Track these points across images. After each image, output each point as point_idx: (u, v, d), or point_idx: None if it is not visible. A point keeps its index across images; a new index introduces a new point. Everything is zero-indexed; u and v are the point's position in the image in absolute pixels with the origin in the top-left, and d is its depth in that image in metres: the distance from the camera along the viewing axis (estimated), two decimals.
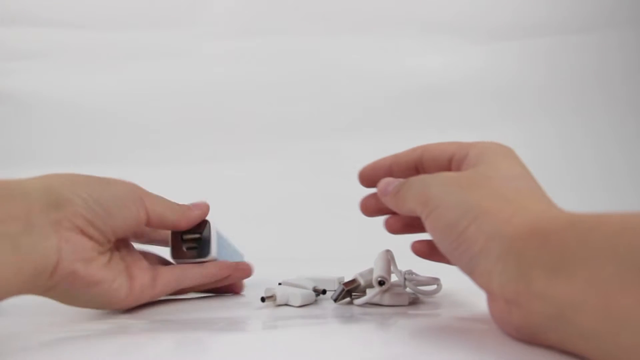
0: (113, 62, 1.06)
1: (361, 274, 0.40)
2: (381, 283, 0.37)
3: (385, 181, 0.35)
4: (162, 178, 1.01)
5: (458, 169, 0.32)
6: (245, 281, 0.54)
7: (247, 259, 0.54)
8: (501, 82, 1.10)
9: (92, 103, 1.05)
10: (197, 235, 0.41)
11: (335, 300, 0.39)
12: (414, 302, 0.40)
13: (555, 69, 1.11)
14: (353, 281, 0.40)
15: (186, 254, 0.41)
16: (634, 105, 1.10)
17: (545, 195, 0.30)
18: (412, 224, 0.38)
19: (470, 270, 0.28)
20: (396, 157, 0.36)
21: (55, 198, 0.31)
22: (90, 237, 0.33)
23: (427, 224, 0.30)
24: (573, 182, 1.01)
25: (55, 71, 1.05)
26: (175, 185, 1.04)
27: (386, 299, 0.38)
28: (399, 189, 0.33)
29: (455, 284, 0.39)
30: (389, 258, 0.39)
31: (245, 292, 0.49)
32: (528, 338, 0.26)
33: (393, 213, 0.38)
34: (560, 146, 1.08)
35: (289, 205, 1.01)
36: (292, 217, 0.98)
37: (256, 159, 1.06)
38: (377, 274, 0.37)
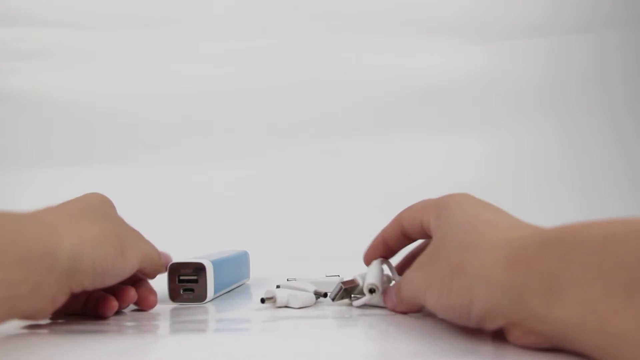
0: (112, 62, 1.06)
1: (361, 275, 0.40)
2: (371, 291, 0.37)
3: (389, 297, 0.38)
4: (163, 178, 1.01)
5: (430, 233, 0.34)
6: (247, 281, 0.54)
7: (251, 259, 0.55)
8: (502, 82, 1.10)
9: (92, 103, 1.05)
10: (194, 277, 0.42)
11: (333, 299, 0.39)
12: None
13: (555, 69, 1.11)
14: (352, 281, 0.39)
15: (183, 297, 0.42)
16: (633, 105, 1.10)
17: (508, 219, 0.30)
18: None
19: (477, 322, 0.28)
20: (384, 234, 0.39)
21: (74, 269, 0.31)
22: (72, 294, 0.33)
23: (429, 307, 0.32)
24: (573, 181, 1.01)
25: (55, 71, 1.05)
26: (175, 186, 1.04)
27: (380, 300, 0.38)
28: (399, 296, 0.36)
29: None
30: (381, 266, 0.40)
31: (245, 292, 0.49)
32: (557, 347, 0.26)
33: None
34: (560, 146, 1.08)
35: (290, 205, 1.01)
36: (294, 217, 0.98)
37: (256, 159, 1.05)
38: (368, 281, 0.38)
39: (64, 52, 1.05)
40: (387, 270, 0.40)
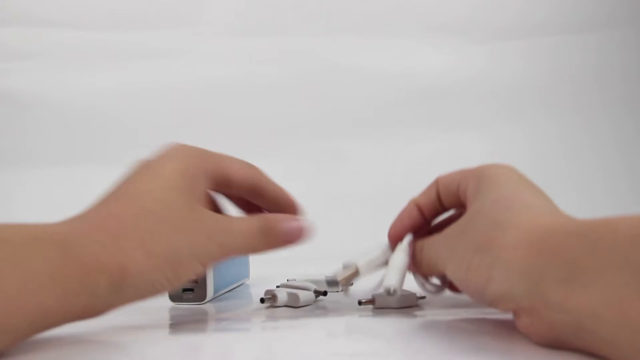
0: (112, 62, 1.06)
1: (365, 257, 0.37)
2: (389, 292, 0.34)
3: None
4: None
5: (465, 200, 0.33)
6: (246, 281, 0.54)
7: (251, 259, 0.54)
8: (502, 82, 1.10)
9: (91, 103, 1.05)
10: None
11: (340, 285, 0.37)
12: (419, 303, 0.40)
13: (555, 69, 1.11)
14: (352, 270, 0.37)
15: (183, 297, 0.41)
16: (634, 104, 1.10)
17: (545, 203, 0.30)
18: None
19: (489, 301, 0.28)
20: (419, 199, 0.36)
21: (115, 300, 0.29)
22: None
23: (448, 276, 0.32)
24: (573, 181, 1.01)
25: (54, 71, 1.05)
26: None
27: (394, 301, 0.38)
28: (419, 258, 0.35)
29: None
30: (408, 251, 0.35)
31: (245, 292, 0.49)
32: (556, 346, 0.26)
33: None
34: (561, 145, 1.08)
35: None
36: None
37: (256, 159, 1.05)
38: (388, 282, 0.33)
39: (64, 52, 1.05)
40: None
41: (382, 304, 0.38)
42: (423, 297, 0.40)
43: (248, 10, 1.09)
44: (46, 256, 0.27)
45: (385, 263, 0.36)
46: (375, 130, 1.07)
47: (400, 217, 0.37)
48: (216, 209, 0.36)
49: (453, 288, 0.38)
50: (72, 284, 0.27)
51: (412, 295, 0.39)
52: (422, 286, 0.38)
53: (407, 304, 0.38)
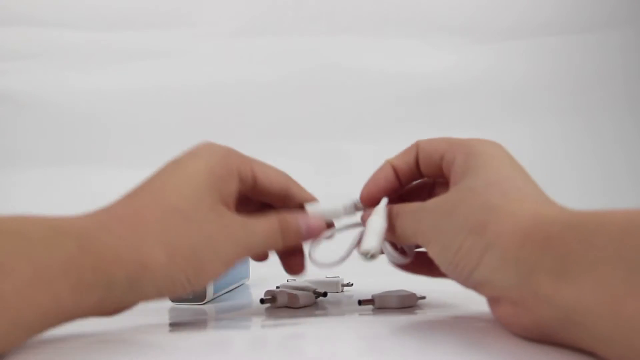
0: (112, 62, 1.06)
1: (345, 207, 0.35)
2: (367, 254, 0.31)
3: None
4: None
5: (448, 172, 0.32)
6: (246, 281, 0.54)
7: (250, 260, 0.54)
8: (504, 81, 1.10)
9: (91, 103, 1.05)
10: None
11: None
12: (419, 303, 0.40)
13: (557, 69, 1.11)
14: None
15: (182, 297, 0.41)
16: (635, 104, 1.10)
17: (537, 191, 0.29)
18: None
19: (472, 284, 0.28)
20: (395, 160, 0.35)
21: (133, 298, 0.29)
22: None
23: (427, 252, 0.30)
24: (575, 179, 1.01)
25: (53, 71, 1.05)
26: None
27: (393, 300, 0.38)
28: (393, 223, 0.33)
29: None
30: (385, 215, 0.33)
31: (244, 292, 0.49)
32: (538, 338, 0.26)
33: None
34: (562, 145, 1.08)
35: None
36: None
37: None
38: (366, 246, 0.31)
39: (64, 52, 1.05)
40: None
41: (382, 304, 0.38)
42: (423, 297, 0.40)
43: (248, 10, 1.09)
44: (61, 247, 0.26)
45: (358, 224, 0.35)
46: (376, 131, 1.06)
47: (374, 178, 0.35)
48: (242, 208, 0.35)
49: (417, 265, 0.35)
50: (87, 275, 0.26)
51: (412, 295, 0.39)
52: (387, 253, 0.34)
53: (406, 304, 0.38)
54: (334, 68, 1.08)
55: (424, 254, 0.33)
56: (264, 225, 0.33)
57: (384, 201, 0.34)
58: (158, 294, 0.29)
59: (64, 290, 0.26)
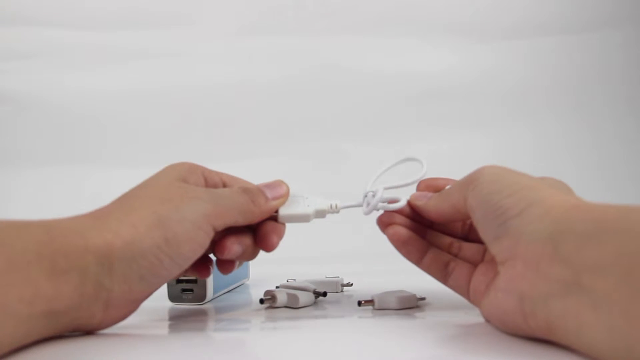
0: (112, 62, 1.06)
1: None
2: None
3: (417, 194, 0.36)
4: None
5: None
6: (246, 281, 0.54)
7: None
8: (505, 81, 1.10)
9: (91, 103, 1.05)
10: (193, 277, 0.41)
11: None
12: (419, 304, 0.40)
13: (557, 69, 1.11)
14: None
15: (182, 297, 0.41)
16: (635, 103, 1.10)
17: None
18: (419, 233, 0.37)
19: (499, 234, 0.28)
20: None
21: (112, 275, 0.28)
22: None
23: (469, 197, 0.30)
24: (576, 179, 1.00)
25: (53, 71, 1.05)
26: None
27: (393, 301, 0.38)
28: (439, 194, 0.34)
29: None
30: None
31: (244, 292, 0.49)
32: (526, 311, 0.26)
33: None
34: (563, 144, 1.08)
35: None
36: None
37: (256, 159, 1.05)
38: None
39: (63, 52, 1.05)
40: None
41: (382, 304, 0.38)
42: (423, 299, 0.40)
43: (248, 10, 1.09)
44: (31, 235, 0.27)
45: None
46: (376, 130, 1.06)
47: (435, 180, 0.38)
48: None
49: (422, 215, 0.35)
50: (59, 261, 0.27)
51: (412, 296, 0.39)
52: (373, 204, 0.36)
53: (406, 305, 0.38)
54: (334, 68, 1.08)
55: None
56: (226, 188, 0.34)
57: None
58: (137, 275, 0.29)
59: (40, 275, 0.26)
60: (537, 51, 1.10)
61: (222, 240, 0.34)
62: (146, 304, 0.32)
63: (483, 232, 0.30)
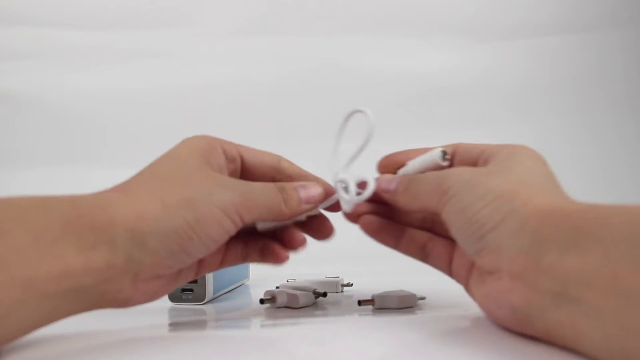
0: (111, 62, 1.06)
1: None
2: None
3: (385, 178, 0.35)
4: None
5: (485, 164, 0.32)
6: (246, 281, 0.54)
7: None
8: (505, 81, 1.10)
9: (90, 103, 1.05)
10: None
11: None
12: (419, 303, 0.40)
13: (557, 69, 1.11)
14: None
15: (182, 297, 0.41)
16: (635, 103, 1.10)
17: (565, 194, 0.30)
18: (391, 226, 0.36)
19: (479, 249, 0.27)
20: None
21: (140, 250, 0.28)
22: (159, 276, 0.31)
23: (443, 212, 0.30)
24: (576, 179, 1.00)
25: (53, 71, 1.05)
26: None
27: (393, 301, 0.38)
28: (408, 186, 0.33)
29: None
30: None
31: (244, 292, 0.49)
32: (522, 321, 0.26)
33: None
34: (562, 145, 1.07)
35: None
36: None
37: None
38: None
39: (63, 52, 1.05)
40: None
41: (382, 304, 0.38)
42: (423, 298, 0.40)
43: (248, 10, 1.09)
44: (55, 211, 0.27)
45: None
46: (376, 130, 1.06)
47: (399, 154, 0.37)
48: None
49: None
50: (87, 235, 0.26)
51: (412, 295, 0.39)
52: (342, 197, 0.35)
53: (406, 305, 0.38)
54: (334, 68, 1.08)
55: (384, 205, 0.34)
56: (259, 182, 0.33)
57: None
58: (167, 249, 0.29)
59: (68, 250, 0.26)
60: (537, 51, 1.10)
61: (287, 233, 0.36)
62: (146, 304, 0.32)
63: (463, 246, 0.29)
